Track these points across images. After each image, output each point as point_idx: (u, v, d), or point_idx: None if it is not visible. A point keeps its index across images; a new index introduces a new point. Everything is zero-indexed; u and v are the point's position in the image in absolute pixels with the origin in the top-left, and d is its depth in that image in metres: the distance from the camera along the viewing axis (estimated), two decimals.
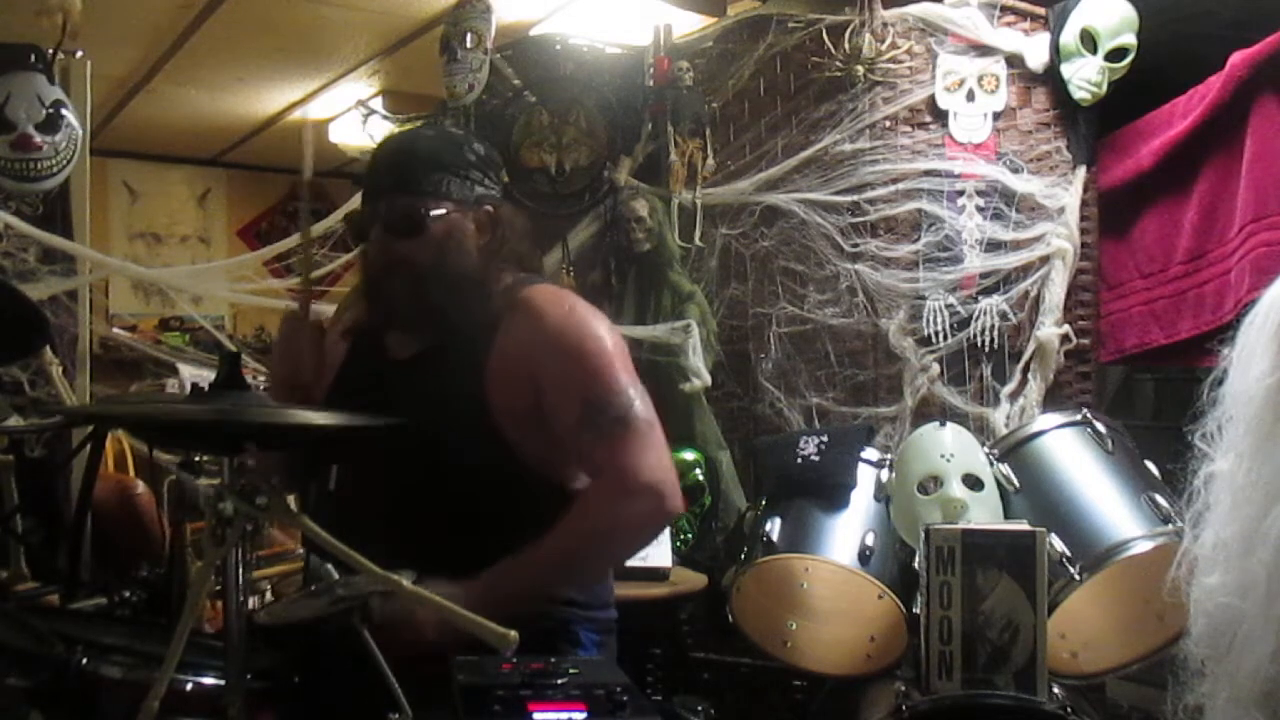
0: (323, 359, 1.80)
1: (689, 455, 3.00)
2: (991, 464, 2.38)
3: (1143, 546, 2.11)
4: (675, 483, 1.65)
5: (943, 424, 2.46)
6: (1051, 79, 2.96)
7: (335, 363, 1.83)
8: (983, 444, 2.47)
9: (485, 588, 1.51)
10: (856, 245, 3.00)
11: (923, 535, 2.06)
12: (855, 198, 3.01)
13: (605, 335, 1.68)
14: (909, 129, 3.03)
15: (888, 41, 3.01)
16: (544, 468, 1.67)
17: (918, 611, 2.11)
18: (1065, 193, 2.94)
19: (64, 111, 2.96)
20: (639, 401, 1.65)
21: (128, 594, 2.16)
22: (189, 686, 1.45)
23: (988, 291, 2.95)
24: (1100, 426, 2.37)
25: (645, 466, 1.61)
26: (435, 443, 1.60)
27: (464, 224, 1.70)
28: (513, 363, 1.66)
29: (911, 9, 3.03)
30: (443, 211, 1.68)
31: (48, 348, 2.76)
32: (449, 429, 1.62)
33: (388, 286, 1.70)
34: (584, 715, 1.21)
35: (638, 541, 1.74)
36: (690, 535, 2.98)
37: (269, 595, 3.00)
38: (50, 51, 2.95)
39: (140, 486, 3.14)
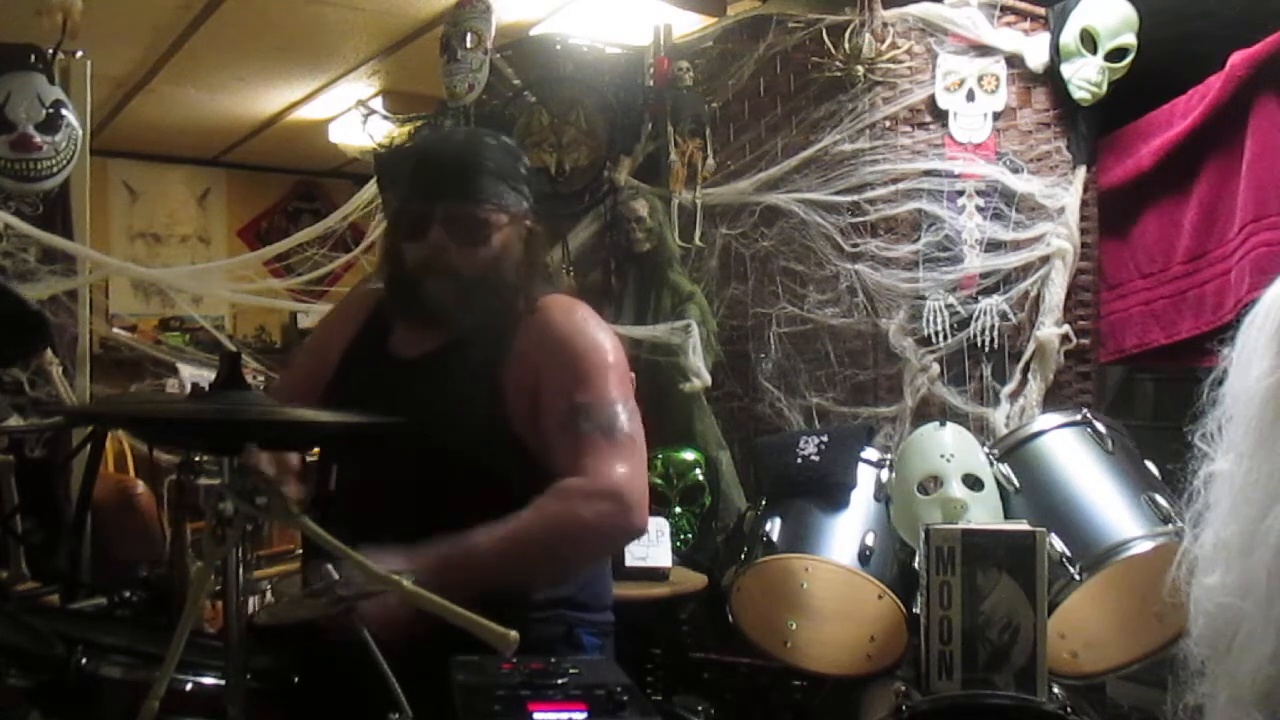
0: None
1: (689, 455, 2.99)
2: (991, 464, 2.38)
3: (1143, 546, 2.11)
4: (643, 499, 1.62)
5: (943, 424, 2.46)
6: (1051, 79, 2.95)
7: (337, 361, 1.83)
8: (983, 444, 2.47)
9: (436, 566, 1.46)
10: (856, 245, 3.00)
11: (923, 535, 2.06)
12: (855, 198, 3.01)
13: (608, 348, 1.70)
14: (909, 129, 3.03)
15: (888, 41, 3.01)
16: (553, 471, 1.67)
17: (918, 611, 2.11)
18: (1065, 193, 2.94)
19: (64, 111, 2.96)
20: (625, 417, 1.65)
21: (128, 594, 2.16)
22: (189, 686, 1.45)
23: (988, 291, 2.95)
24: (1100, 426, 2.37)
25: (615, 473, 1.59)
26: (448, 443, 1.61)
27: (516, 236, 1.73)
28: (524, 367, 1.67)
29: (911, 9, 3.03)
30: (503, 221, 1.71)
31: (48, 348, 2.76)
32: (463, 430, 1.62)
33: (433, 286, 1.69)
34: (584, 715, 1.21)
35: (593, 545, 1.69)
36: (690, 535, 2.98)
37: (269, 595, 3.00)
38: (50, 51, 2.95)
39: (140, 486, 3.14)
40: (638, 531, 1.65)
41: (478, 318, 1.70)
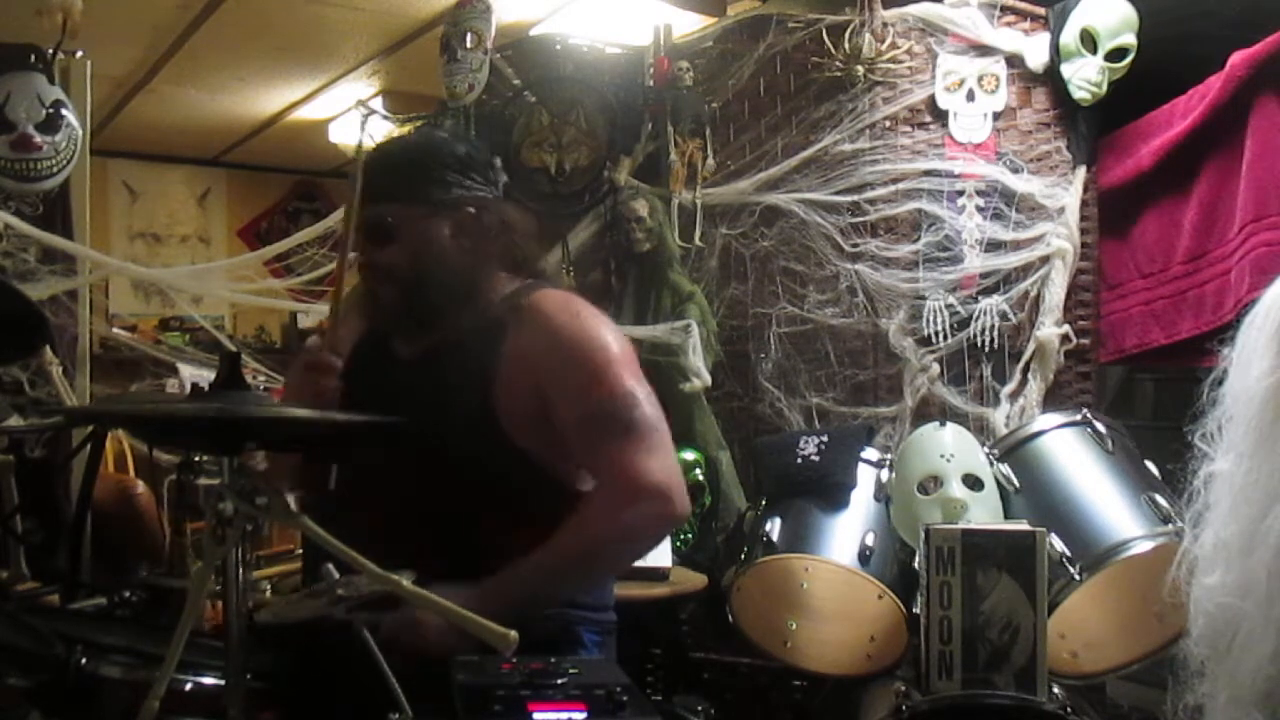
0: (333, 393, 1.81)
1: (689, 455, 2.99)
2: (991, 464, 2.38)
3: (1143, 546, 2.11)
4: (682, 485, 1.64)
5: (943, 424, 2.46)
6: (1051, 79, 2.95)
7: (341, 361, 1.84)
8: (983, 444, 2.47)
9: (489, 593, 1.50)
10: (856, 245, 3.00)
11: (923, 535, 2.06)
12: (855, 198, 3.01)
13: (611, 340, 1.68)
14: (909, 129, 3.03)
15: (888, 41, 3.01)
16: (548, 468, 1.67)
17: (918, 611, 2.11)
18: (1065, 193, 2.94)
19: (64, 111, 2.96)
20: (645, 405, 1.64)
21: (128, 594, 2.16)
22: (189, 686, 1.46)
23: (988, 291, 2.95)
24: (1100, 426, 2.37)
25: (651, 469, 1.61)
26: (438, 442, 1.61)
27: (439, 227, 1.70)
28: (519, 367, 1.66)
29: (911, 9, 3.03)
30: (415, 216, 1.69)
31: (48, 348, 2.76)
32: (452, 428, 1.62)
33: (376, 292, 1.73)
34: (584, 715, 1.21)
35: (644, 545, 1.73)
36: (690, 535, 2.98)
37: (269, 595, 3.00)
38: (50, 51, 2.95)
39: (140, 486, 3.13)
40: (683, 519, 1.67)
41: (426, 312, 1.70)
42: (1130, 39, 2.85)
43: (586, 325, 1.69)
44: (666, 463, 1.64)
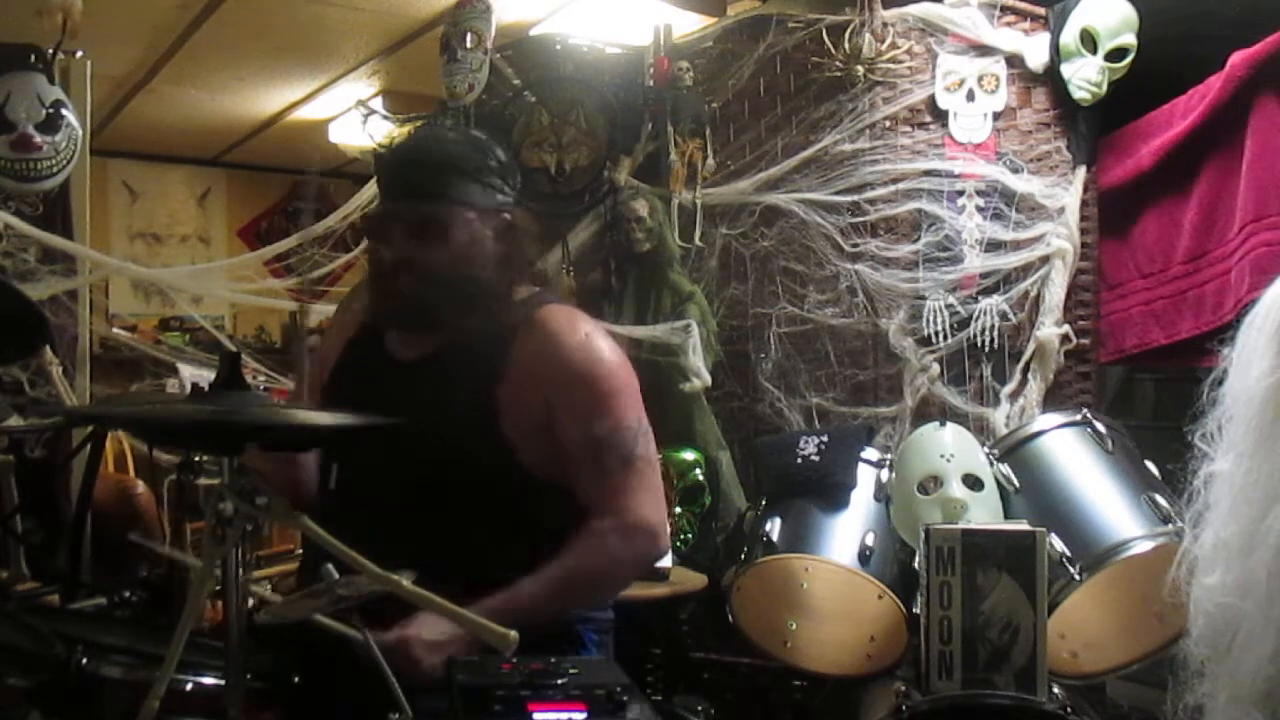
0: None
1: (689, 455, 3.00)
2: (991, 464, 2.38)
3: (1143, 546, 2.11)
4: (666, 522, 1.71)
5: (943, 424, 2.46)
6: (1051, 79, 2.95)
7: (335, 360, 1.84)
8: (983, 444, 2.47)
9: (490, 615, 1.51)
10: (856, 245, 3.00)
11: (923, 535, 2.06)
12: (855, 198, 3.01)
13: (617, 369, 1.70)
14: (909, 129, 3.02)
15: (888, 41, 3.01)
16: (545, 472, 1.68)
17: (918, 611, 2.11)
18: (1065, 193, 2.94)
19: (64, 111, 2.95)
20: (642, 440, 1.68)
21: (128, 594, 2.16)
22: (189, 686, 1.46)
23: (988, 291, 2.95)
24: (1100, 426, 2.37)
25: (643, 508, 1.65)
26: (440, 445, 1.61)
27: (483, 231, 1.70)
28: (525, 380, 1.67)
29: (911, 9, 3.03)
30: (465, 217, 1.68)
31: (48, 348, 2.76)
32: (454, 433, 1.62)
33: (401, 288, 1.69)
34: (584, 715, 1.21)
35: (629, 579, 1.77)
36: (690, 535, 2.98)
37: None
38: (50, 51, 2.95)
39: (140, 486, 3.13)
40: (664, 555, 1.71)
41: (448, 315, 1.69)
42: (1130, 39, 2.85)
43: (595, 352, 1.69)
44: (657, 501, 1.69)
